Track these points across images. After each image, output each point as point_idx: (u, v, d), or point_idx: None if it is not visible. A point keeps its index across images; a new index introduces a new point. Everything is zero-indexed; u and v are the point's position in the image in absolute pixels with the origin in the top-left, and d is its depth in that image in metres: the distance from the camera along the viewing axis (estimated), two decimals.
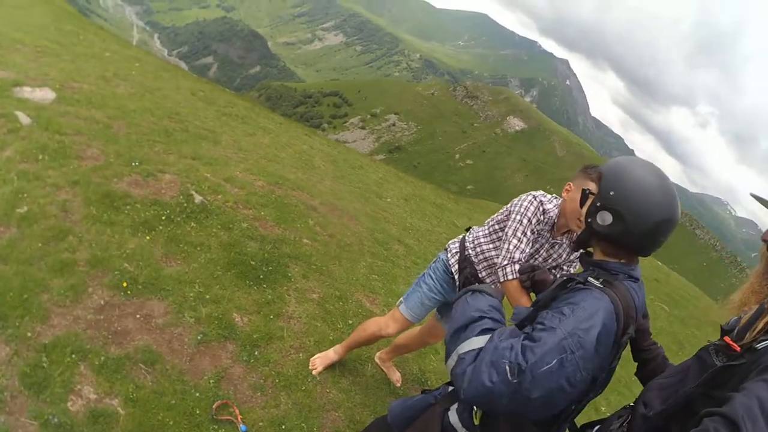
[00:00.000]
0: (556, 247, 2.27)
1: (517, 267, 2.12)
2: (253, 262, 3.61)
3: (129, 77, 7.43)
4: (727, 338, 1.24)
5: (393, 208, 7.67)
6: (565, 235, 2.25)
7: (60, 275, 2.72)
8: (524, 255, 2.15)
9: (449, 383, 1.85)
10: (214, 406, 2.38)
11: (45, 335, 2.37)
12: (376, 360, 3.25)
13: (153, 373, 2.43)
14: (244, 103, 11.89)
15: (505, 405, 1.20)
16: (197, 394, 2.42)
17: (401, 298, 2.71)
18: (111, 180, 3.82)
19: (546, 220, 2.18)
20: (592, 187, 1.49)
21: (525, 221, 2.16)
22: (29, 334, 2.34)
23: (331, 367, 3.01)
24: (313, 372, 2.89)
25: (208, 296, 3.08)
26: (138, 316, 2.71)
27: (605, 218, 1.40)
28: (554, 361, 1.18)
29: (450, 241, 2.61)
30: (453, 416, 1.64)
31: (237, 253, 3.65)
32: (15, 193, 3.20)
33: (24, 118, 4.18)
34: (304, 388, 2.79)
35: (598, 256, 1.49)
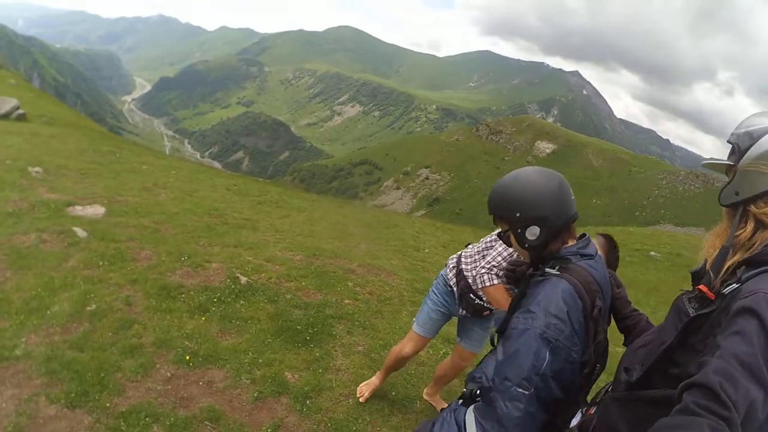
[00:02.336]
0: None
1: (495, 272, 2.38)
2: (299, 327, 3.92)
3: (168, 184, 8.23)
4: (702, 287, 1.26)
5: (431, 257, 7.87)
6: None
7: (130, 356, 3.14)
8: (503, 263, 2.36)
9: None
10: None
11: (121, 405, 2.75)
12: (425, 397, 3.41)
13: (217, 428, 2.73)
14: (276, 189, 12.65)
15: (540, 409, 1.36)
16: None
17: (414, 318, 2.98)
18: (165, 274, 4.31)
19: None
20: (502, 227, 1.66)
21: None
22: (108, 405, 2.72)
23: (381, 407, 3.20)
24: (360, 399, 3.18)
25: (261, 360, 3.40)
26: (201, 383, 3.06)
27: (534, 231, 1.53)
28: (546, 354, 1.34)
29: (450, 257, 2.86)
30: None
31: (284, 321, 3.98)
32: (83, 295, 3.71)
33: (81, 233, 4.81)
34: (355, 428, 2.98)
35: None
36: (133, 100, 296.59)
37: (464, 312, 2.79)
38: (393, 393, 3.40)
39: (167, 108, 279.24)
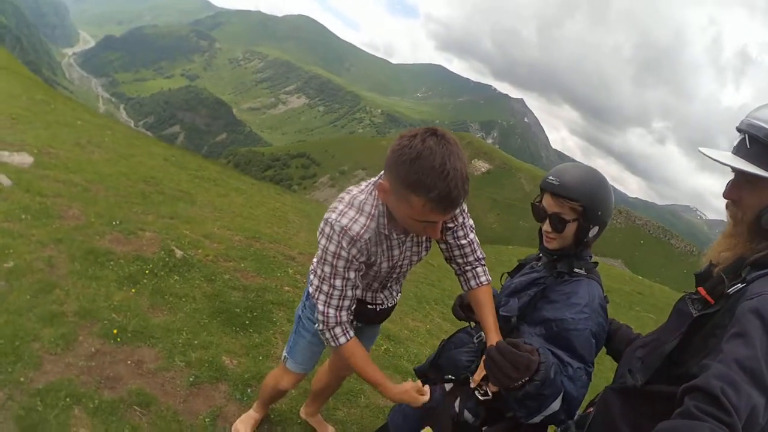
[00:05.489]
0: (402, 247, 1.71)
1: (341, 320, 1.66)
2: (237, 310, 3.66)
3: (103, 144, 7.61)
4: (701, 290, 1.27)
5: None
6: (406, 232, 1.67)
7: (50, 325, 2.74)
8: (349, 301, 1.64)
9: (445, 380, 1.88)
10: None
11: (38, 381, 2.37)
12: (302, 416, 2.77)
13: (148, 415, 2.42)
14: (215, 167, 12.11)
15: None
16: None
17: (285, 353, 2.16)
18: (93, 238, 3.89)
19: (363, 241, 1.55)
20: (564, 212, 1.59)
21: (333, 266, 1.57)
22: (22, 380, 2.34)
23: (326, 401, 3.02)
24: None
25: (196, 342, 3.10)
26: (129, 362, 2.71)
27: (594, 232, 1.62)
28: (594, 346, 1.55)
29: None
30: (466, 414, 1.72)
31: (221, 302, 3.70)
32: (0, 249, 3.26)
33: (5, 180, 4.30)
34: (299, 422, 2.78)
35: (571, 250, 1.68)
36: (74, 54, 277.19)
37: (362, 325, 2.04)
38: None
39: (108, 69, 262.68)
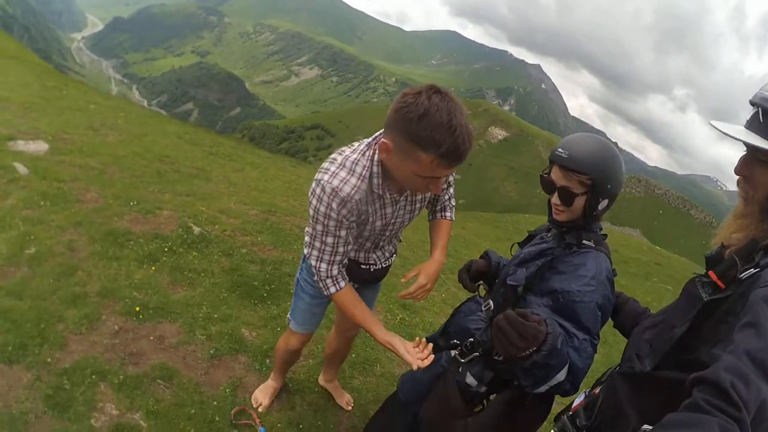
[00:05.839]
0: (396, 206, 1.77)
1: (332, 274, 1.75)
2: (255, 283, 3.74)
3: (116, 126, 7.65)
4: (712, 274, 1.22)
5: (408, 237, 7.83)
6: (400, 191, 1.74)
7: (73, 306, 2.85)
8: (340, 256, 1.73)
9: (447, 347, 1.95)
10: (232, 413, 2.48)
11: (64, 360, 2.49)
12: (321, 383, 2.90)
13: (171, 388, 2.54)
14: (229, 142, 12.13)
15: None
16: (215, 403, 2.53)
17: (288, 315, 2.30)
18: (112, 219, 3.98)
19: (354, 201, 1.60)
20: (573, 185, 1.56)
21: (324, 222, 1.63)
22: (49, 360, 2.45)
23: (341, 369, 3.11)
24: (260, 409, 2.57)
25: (216, 315, 3.20)
26: (151, 338, 2.83)
27: (604, 204, 1.61)
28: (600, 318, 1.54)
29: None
30: (469, 378, 1.78)
31: (239, 275, 3.78)
32: (22, 236, 3.36)
33: (22, 169, 4.36)
34: (317, 390, 2.88)
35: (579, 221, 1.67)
36: (83, 38, 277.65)
37: (357, 285, 2.04)
38: (353, 355, 3.30)
39: (118, 50, 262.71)
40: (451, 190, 1.99)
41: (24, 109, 6.80)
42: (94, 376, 2.43)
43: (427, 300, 4.83)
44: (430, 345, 1.68)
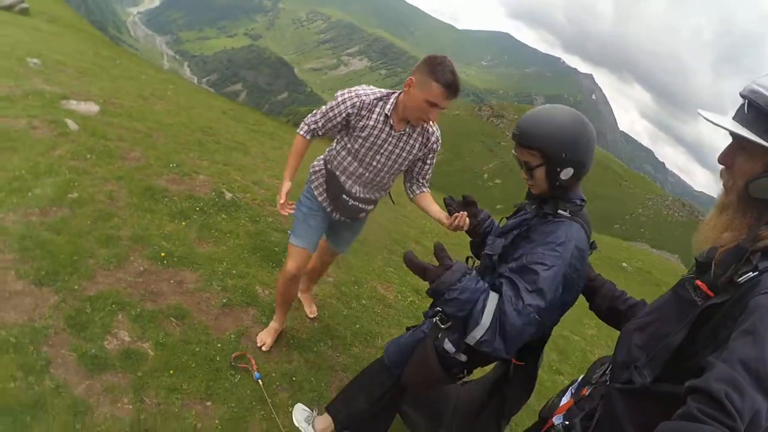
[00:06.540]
0: (405, 138, 2.33)
1: (310, 128, 2.45)
2: (276, 249, 3.96)
3: (165, 96, 8.05)
4: (701, 284, 1.20)
5: (412, 214, 7.93)
6: (409, 126, 2.32)
7: (106, 246, 3.16)
8: (320, 125, 2.40)
9: (431, 316, 2.07)
10: (233, 356, 2.71)
11: (90, 289, 2.79)
12: (299, 295, 3.32)
13: (181, 326, 2.80)
14: (272, 123, 12.47)
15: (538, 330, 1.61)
16: (219, 345, 2.77)
17: (289, 232, 2.70)
18: (151, 177, 4.29)
19: (366, 106, 2.26)
20: (531, 158, 1.65)
21: (333, 104, 2.31)
22: (76, 287, 2.76)
23: (344, 336, 3.30)
24: (263, 348, 2.87)
25: (234, 271, 3.45)
26: (172, 281, 3.11)
27: (568, 173, 1.62)
28: (560, 289, 1.57)
29: (313, 162, 2.72)
30: (447, 344, 1.89)
31: (262, 240, 4.02)
32: (67, 183, 3.70)
33: (72, 125, 4.74)
34: (315, 350, 3.08)
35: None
36: (138, 13, 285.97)
37: (338, 216, 2.62)
38: (357, 326, 3.50)
39: (172, 27, 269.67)
40: (431, 166, 2.53)
41: (78, 73, 7.27)
42: (114, 306, 2.72)
43: None
44: (293, 203, 2.50)
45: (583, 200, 1.71)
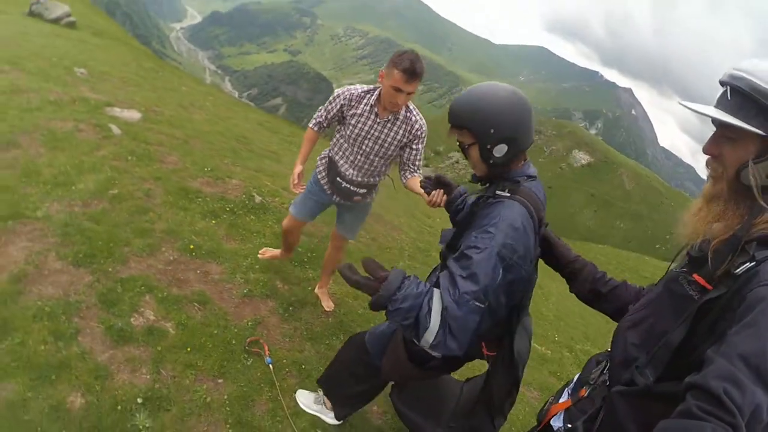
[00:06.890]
0: (389, 125, 2.73)
1: (317, 121, 2.90)
2: (300, 249, 4.16)
3: (204, 107, 8.50)
4: (698, 278, 1.18)
5: (440, 226, 8.07)
6: (392, 114, 2.72)
7: (140, 237, 3.46)
8: (323, 117, 2.87)
9: None
10: (247, 340, 2.92)
11: (122, 272, 3.08)
12: (316, 291, 3.68)
13: (203, 311, 3.04)
14: None
15: (488, 317, 1.54)
16: (236, 330, 2.98)
17: (291, 202, 3.33)
18: (186, 179, 4.60)
19: (355, 98, 2.72)
20: (464, 139, 1.63)
21: (331, 99, 2.80)
22: (110, 270, 3.05)
23: (355, 332, 3.44)
24: (259, 256, 3.71)
25: (257, 266, 3.68)
26: (198, 271, 3.36)
27: (501, 150, 1.58)
28: (500, 271, 1.47)
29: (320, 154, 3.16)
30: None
31: None
32: (108, 180, 4.03)
33: (115, 130, 5.12)
34: (327, 342, 3.25)
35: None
36: (181, 28, 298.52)
37: (336, 198, 3.05)
38: (370, 324, 3.62)
39: (214, 43, 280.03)
40: (419, 162, 2.87)
41: (122, 83, 7.75)
42: (143, 288, 3.00)
43: None
44: (304, 184, 3.02)
45: (529, 176, 1.65)
